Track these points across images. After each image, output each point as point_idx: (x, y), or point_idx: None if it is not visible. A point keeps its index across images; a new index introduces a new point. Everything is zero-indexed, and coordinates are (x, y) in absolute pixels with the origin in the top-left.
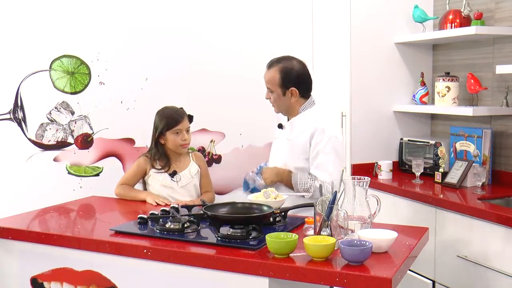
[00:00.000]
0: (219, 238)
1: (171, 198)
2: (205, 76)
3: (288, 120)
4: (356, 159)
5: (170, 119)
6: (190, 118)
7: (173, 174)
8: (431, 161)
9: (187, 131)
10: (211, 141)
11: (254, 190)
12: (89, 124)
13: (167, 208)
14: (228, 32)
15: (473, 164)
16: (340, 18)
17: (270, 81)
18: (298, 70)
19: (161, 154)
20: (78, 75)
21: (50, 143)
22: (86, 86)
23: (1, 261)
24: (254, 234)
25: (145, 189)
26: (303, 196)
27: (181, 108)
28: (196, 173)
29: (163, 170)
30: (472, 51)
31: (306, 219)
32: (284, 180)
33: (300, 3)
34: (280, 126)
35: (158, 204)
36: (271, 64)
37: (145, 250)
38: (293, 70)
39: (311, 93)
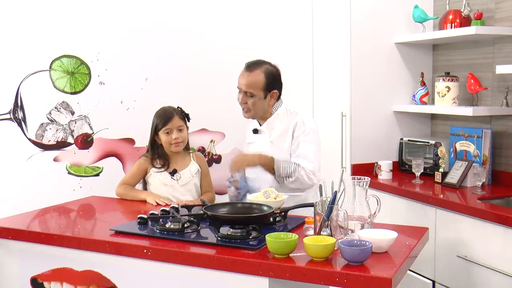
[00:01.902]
0: (219, 238)
1: (171, 197)
2: (205, 76)
3: (260, 124)
4: (356, 159)
5: (160, 119)
6: (186, 117)
7: (173, 173)
8: (431, 161)
9: (180, 130)
10: (211, 141)
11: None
12: (89, 124)
13: (167, 208)
14: (228, 32)
15: (473, 164)
16: (340, 18)
17: (253, 85)
18: (276, 72)
19: (160, 154)
20: (78, 75)
21: (50, 143)
22: (86, 86)
23: (1, 261)
24: (254, 234)
25: (145, 189)
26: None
27: (177, 107)
28: (196, 172)
29: (163, 169)
30: (472, 51)
31: (306, 219)
32: (267, 163)
33: (300, 3)
34: (256, 131)
35: (158, 204)
36: (251, 67)
37: (145, 250)
38: (273, 72)
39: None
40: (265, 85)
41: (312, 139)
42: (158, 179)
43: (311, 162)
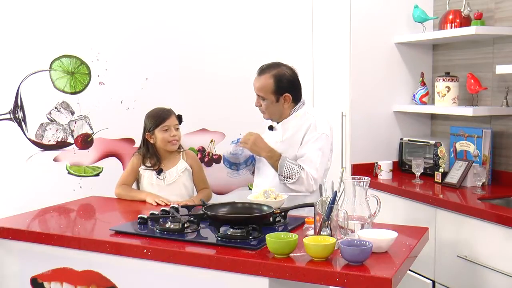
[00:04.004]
0: (219, 238)
1: None
2: (205, 76)
3: (278, 123)
4: (356, 159)
5: (157, 117)
6: (179, 118)
7: (159, 172)
8: (431, 161)
9: (176, 128)
10: (211, 141)
11: (241, 165)
12: (89, 124)
13: (167, 208)
14: (228, 33)
15: (473, 164)
16: (340, 18)
17: (263, 88)
18: (290, 75)
19: (152, 153)
20: (78, 75)
21: (50, 143)
22: (86, 86)
23: (1, 261)
24: (254, 234)
25: (138, 187)
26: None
27: (170, 108)
28: (183, 170)
29: (151, 168)
30: (472, 51)
31: (306, 219)
32: (274, 158)
33: (300, 3)
34: (271, 128)
35: (158, 204)
36: (262, 71)
37: (145, 250)
38: (286, 75)
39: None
40: (274, 89)
41: (321, 146)
42: (145, 178)
43: (315, 169)
